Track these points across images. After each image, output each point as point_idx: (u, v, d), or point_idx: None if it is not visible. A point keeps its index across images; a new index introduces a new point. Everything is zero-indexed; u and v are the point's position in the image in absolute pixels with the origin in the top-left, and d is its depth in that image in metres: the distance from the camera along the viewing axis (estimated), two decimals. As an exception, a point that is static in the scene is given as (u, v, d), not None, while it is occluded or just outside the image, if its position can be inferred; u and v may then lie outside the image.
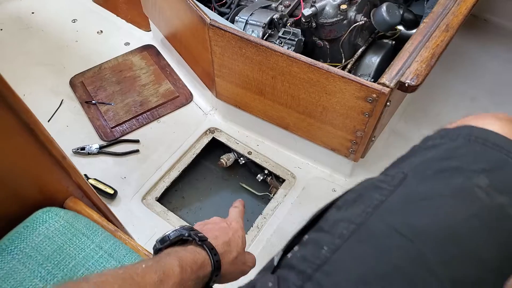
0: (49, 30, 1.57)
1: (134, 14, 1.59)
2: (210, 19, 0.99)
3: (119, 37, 1.54)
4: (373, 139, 1.03)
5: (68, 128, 1.30)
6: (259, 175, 1.24)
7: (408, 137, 1.27)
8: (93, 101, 1.34)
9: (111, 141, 1.26)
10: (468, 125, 0.44)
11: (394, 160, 0.47)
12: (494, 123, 0.43)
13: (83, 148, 1.23)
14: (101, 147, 1.24)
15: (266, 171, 1.24)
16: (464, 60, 1.44)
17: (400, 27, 1.36)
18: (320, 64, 0.91)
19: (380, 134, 1.23)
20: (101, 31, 1.57)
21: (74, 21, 1.60)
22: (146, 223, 1.09)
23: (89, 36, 1.55)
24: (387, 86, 0.86)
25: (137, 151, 1.24)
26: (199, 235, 0.54)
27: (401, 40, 1.23)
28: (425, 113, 1.33)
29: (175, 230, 0.54)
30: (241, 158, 1.27)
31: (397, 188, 0.40)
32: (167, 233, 0.54)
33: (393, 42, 1.20)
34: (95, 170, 1.20)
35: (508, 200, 0.38)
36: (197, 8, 1.02)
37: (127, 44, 1.53)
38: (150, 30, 1.53)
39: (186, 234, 0.53)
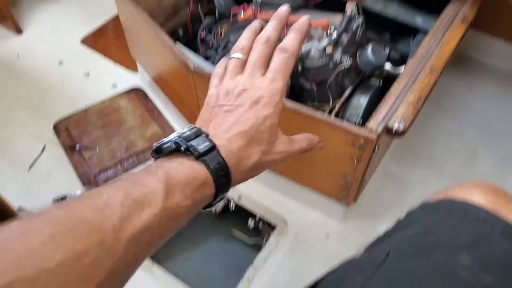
0: (34, 72, 1.56)
1: (123, 55, 1.59)
2: (195, 65, 0.98)
3: (107, 79, 1.53)
4: (363, 183, 1.00)
5: (50, 175, 1.26)
6: (250, 222, 1.20)
7: (401, 178, 1.25)
8: (77, 146, 1.31)
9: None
10: (449, 198, 0.43)
11: (378, 236, 0.44)
12: (476, 194, 0.42)
13: (64, 197, 1.18)
14: (84, 194, 1.19)
15: (257, 217, 1.20)
16: (451, 97, 1.44)
17: (388, 66, 1.36)
18: (305, 109, 0.89)
19: (372, 176, 1.21)
20: (88, 73, 1.56)
21: (60, 63, 1.59)
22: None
23: (75, 79, 1.54)
24: (374, 132, 0.84)
25: (121, 197, 1.20)
26: (199, 147, 0.40)
27: (389, 79, 1.23)
28: (417, 154, 1.31)
29: (170, 140, 0.43)
30: (231, 203, 1.23)
31: (379, 268, 0.37)
32: (163, 141, 0.43)
33: (381, 82, 1.19)
34: (78, 218, 1.15)
35: (493, 279, 0.35)
36: (181, 53, 1.01)
37: (114, 86, 1.51)
38: (138, 72, 1.52)
39: (184, 147, 0.41)
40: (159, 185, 0.36)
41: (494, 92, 1.45)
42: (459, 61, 1.53)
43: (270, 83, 0.46)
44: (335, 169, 0.96)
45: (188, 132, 0.42)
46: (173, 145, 0.41)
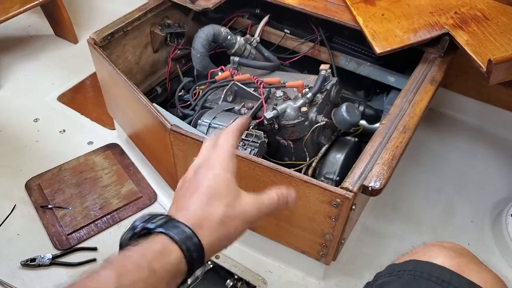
0: (8, 130, 1.53)
1: (99, 112, 1.59)
2: (171, 125, 0.98)
3: (83, 136, 1.51)
4: (342, 241, 0.99)
5: (19, 236, 1.20)
6: (228, 282, 1.15)
7: (380, 233, 1.24)
8: (49, 206, 1.27)
9: (66, 249, 1.17)
10: (414, 260, 0.45)
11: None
12: (439, 255, 0.44)
13: (33, 260, 1.12)
14: (54, 257, 1.14)
15: (236, 276, 1.16)
16: (426, 152, 1.48)
17: (363, 122, 1.40)
18: (282, 168, 0.89)
19: (351, 232, 1.20)
20: (64, 130, 1.54)
21: (36, 120, 1.57)
22: None
23: (50, 136, 1.52)
24: (350, 191, 0.84)
25: (94, 260, 1.15)
26: (155, 223, 0.40)
27: (365, 135, 1.26)
28: (395, 208, 1.31)
29: (138, 221, 0.43)
30: (209, 262, 1.19)
31: None
32: (134, 223, 0.43)
33: (356, 139, 1.22)
34: (46, 284, 1.09)
35: None
36: (158, 113, 1.01)
37: (90, 143, 1.49)
38: (115, 129, 1.52)
39: (138, 228, 0.41)
40: (109, 273, 0.37)
41: (465, 145, 1.50)
42: (432, 116, 1.58)
43: (216, 151, 0.50)
44: (313, 227, 0.95)
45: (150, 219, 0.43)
46: (129, 232, 0.42)
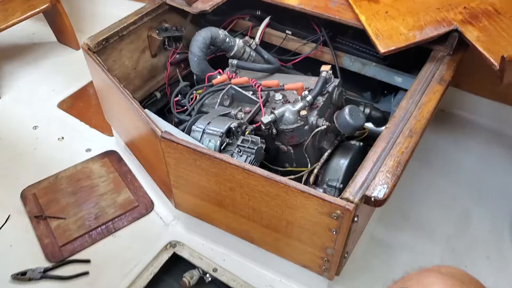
0: (7, 138, 1.51)
1: (99, 118, 1.55)
2: (162, 132, 0.93)
3: (81, 143, 1.48)
4: (346, 255, 0.92)
5: (12, 248, 1.17)
6: (225, 296, 1.09)
7: (389, 244, 1.17)
8: (44, 216, 1.23)
9: (59, 262, 1.13)
10: None
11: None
12: (435, 284, 0.38)
13: (24, 273, 1.08)
14: (46, 270, 1.10)
15: (234, 290, 1.10)
16: (439, 154, 1.40)
17: (370, 125, 1.33)
18: (277, 177, 0.83)
19: (358, 242, 1.12)
20: (63, 138, 1.51)
21: (35, 127, 1.55)
22: None
23: (49, 143, 1.49)
24: (351, 202, 0.77)
25: (86, 273, 1.10)
26: None
27: (372, 139, 1.18)
28: (405, 215, 1.24)
29: None
30: (207, 275, 1.13)
31: None
32: None
33: (361, 143, 1.15)
34: (36, 298, 1.05)
35: None
36: (149, 119, 0.96)
37: (88, 150, 1.46)
38: (113, 135, 1.48)
39: None
40: None
41: (481, 149, 1.41)
42: (444, 118, 1.50)
43: None
44: (313, 240, 0.89)
45: None
46: None
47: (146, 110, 1.00)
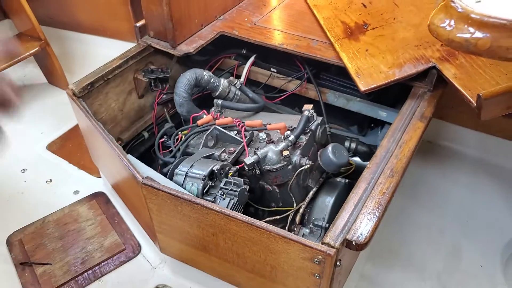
0: (-5, 182, 1.51)
1: (87, 160, 1.54)
2: (143, 178, 0.93)
3: (69, 185, 1.47)
4: (331, 299, 0.90)
5: (-5, 298, 1.15)
6: None
7: (378, 282, 1.15)
8: (29, 262, 1.21)
9: (42, 311, 1.10)
10: None
11: None
12: None
13: (6, 325, 1.06)
14: (29, 321, 1.07)
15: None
16: (426, 187, 1.39)
17: (357, 159, 1.33)
18: (258, 223, 0.82)
19: (347, 281, 1.10)
20: (51, 180, 1.50)
21: (23, 170, 1.54)
22: None
23: (37, 186, 1.48)
24: (332, 247, 0.76)
25: (70, 322, 1.08)
26: None
27: (359, 173, 1.18)
28: (395, 252, 1.22)
29: None
30: (194, 320, 1.11)
31: None
32: None
33: (347, 180, 1.14)
34: None
35: None
36: (130, 165, 0.96)
37: (76, 192, 1.45)
38: (101, 177, 1.47)
39: None
40: None
41: (469, 180, 1.41)
42: (430, 150, 1.50)
43: None
44: (297, 285, 0.87)
45: None
46: None
47: (129, 156, 1.00)
